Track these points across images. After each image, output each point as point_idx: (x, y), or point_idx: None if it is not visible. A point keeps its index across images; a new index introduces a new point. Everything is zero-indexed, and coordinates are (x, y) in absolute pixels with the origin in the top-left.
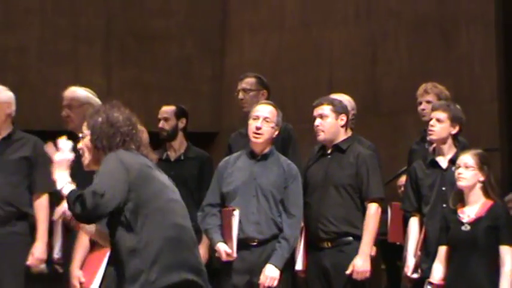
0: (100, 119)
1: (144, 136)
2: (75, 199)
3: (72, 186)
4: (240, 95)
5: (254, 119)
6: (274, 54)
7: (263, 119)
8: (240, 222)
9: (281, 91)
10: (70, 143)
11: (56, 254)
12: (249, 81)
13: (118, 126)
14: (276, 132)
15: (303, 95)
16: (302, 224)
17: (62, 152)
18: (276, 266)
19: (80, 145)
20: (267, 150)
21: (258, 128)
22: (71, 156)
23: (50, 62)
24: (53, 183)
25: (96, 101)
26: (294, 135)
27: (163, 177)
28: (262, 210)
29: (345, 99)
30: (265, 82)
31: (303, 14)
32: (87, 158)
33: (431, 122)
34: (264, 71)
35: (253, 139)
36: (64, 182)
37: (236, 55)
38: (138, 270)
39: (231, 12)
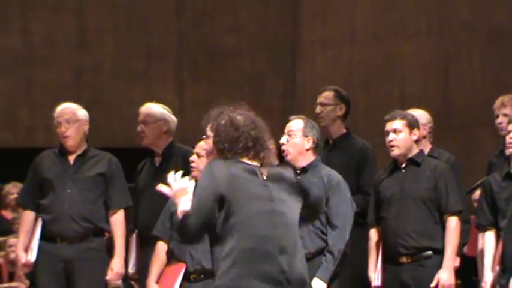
0: (223, 122)
1: (268, 137)
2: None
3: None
4: (317, 109)
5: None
6: (346, 68)
7: (286, 133)
8: None
9: (352, 106)
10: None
11: (131, 269)
12: (326, 95)
13: (242, 130)
14: (309, 143)
15: (375, 110)
16: (375, 239)
17: (176, 182)
18: (322, 280)
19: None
20: (306, 163)
21: (281, 145)
22: (186, 181)
23: (123, 80)
24: (128, 199)
25: (172, 117)
26: (371, 155)
27: (256, 187)
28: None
29: (420, 113)
30: (344, 96)
31: (374, 28)
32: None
33: (510, 135)
34: (335, 86)
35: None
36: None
37: (307, 70)
38: (216, 281)
39: (301, 27)
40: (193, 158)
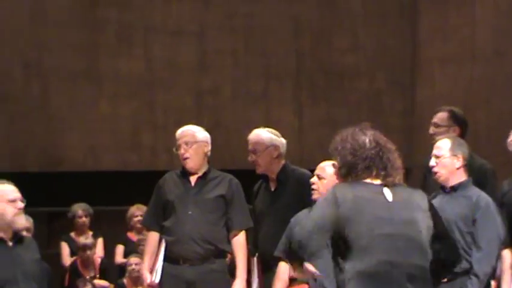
0: (340, 147)
1: (394, 157)
2: None
3: None
4: (431, 130)
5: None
6: (466, 86)
7: (434, 154)
8: None
9: (474, 124)
10: None
11: None
12: (440, 116)
13: (359, 153)
14: (459, 161)
15: (497, 128)
16: (509, 260)
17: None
18: None
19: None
20: (456, 182)
21: (431, 167)
22: None
23: (242, 102)
24: (248, 220)
25: (281, 141)
26: (490, 175)
27: (380, 208)
28: None
29: None
30: (460, 117)
31: (496, 44)
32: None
33: None
34: (456, 104)
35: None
36: None
37: (427, 88)
38: None
39: (420, 45)
40: (314, 180)
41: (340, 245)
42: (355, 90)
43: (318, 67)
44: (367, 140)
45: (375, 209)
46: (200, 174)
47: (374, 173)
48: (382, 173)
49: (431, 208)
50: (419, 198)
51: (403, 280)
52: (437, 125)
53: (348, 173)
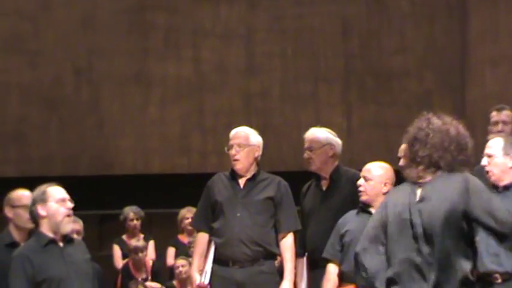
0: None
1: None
2: None
3: None
4: (499, 127)
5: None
6: None
7: (486, 154)
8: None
9: None
10: None
11: None
12: (508, 114)
13: (416, 149)
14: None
15: None
16: None
17: None
18: None
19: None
20: (508, 181)
21: (483, 167)
22: None
23: (291, 104)
24: (297, 222)
25: (337, 141)
26: None
27: (406, 210)
28: None
29: None
30: None
31: None
32: None
33: None
34: (507, 105)
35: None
36: None
37: (477, 89)
38: None
39: (470, 45)
40: (361, 181)
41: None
42: (404, 91)
43: (366, 68)
44: (421, 136)
45: (401, 213)
46: (249, 176)
47: (425, 168)
48: (430, 168)
49: (467, 193)
50: (457, 185)
51: (422, 278)
52: (505, 123)
53: (405, 173)
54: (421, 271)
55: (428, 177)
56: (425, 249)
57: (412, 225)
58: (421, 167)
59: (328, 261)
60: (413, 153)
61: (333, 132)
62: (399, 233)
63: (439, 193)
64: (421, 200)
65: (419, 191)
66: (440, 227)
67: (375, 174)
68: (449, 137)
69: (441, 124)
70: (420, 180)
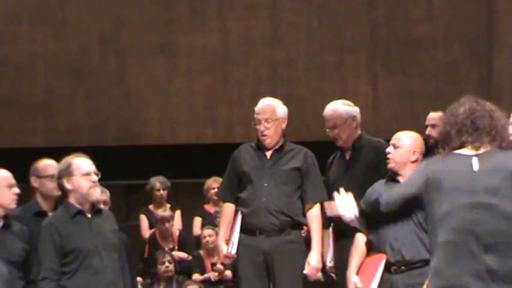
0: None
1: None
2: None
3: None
4: None
5: None
6: None
7: None
8: None
9: None
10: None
11: (329, 262)
12: None
13: (453, 122)
14: None
15: None
16: None
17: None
18: None
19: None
20: None
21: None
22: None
23: (316, 74)
24: (323, 193)
25: (356, 110)
26: None
27: (463, 179)
28: None
29: None
30: None
31: None
32: None
33: None
34: None
35: None
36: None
37: (504, 58)
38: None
39: (498, 13)
40: (390, 149)
41: (423, 213)
42: (430, 61)
43: (392, 38)
44: (461, 109)
45: (457, 181)
46: (276, 147)
47: (465, 139)
48: (475, 142)
49: None
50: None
51: (478, 250)
52: None
53: (444, 143)
54: (479, 240)
55: (485, 149)
56: (484, 216)
57: (471, 193)
58: (480, 137)
59: (356, 230)
60: (472, 122)
61: (350, 103)
62: (453, 200)
63: (496, 162)
64: (479, 168)
65: (475, 160)
66: (500, 190)
67: (405, 143)
68: (504, 118)
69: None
70: (477, 151)
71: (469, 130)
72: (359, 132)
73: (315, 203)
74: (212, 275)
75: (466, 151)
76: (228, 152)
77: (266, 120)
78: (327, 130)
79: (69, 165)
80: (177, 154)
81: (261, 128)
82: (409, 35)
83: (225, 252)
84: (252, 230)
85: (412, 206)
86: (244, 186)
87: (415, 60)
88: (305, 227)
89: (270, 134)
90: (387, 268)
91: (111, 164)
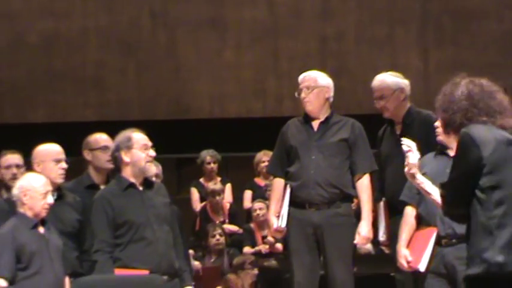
0: (459, 92)
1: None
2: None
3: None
4: None
5: None
6: None
7: None
8: None
9: None
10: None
11: (381, 236)
12: None
13: (452, 108)
14: None
15: None
16: None
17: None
18: None
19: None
20: None
21: None
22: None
23: (367, 47)
24: (372, 163)
25: (405, 82)
26: None
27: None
28: None
29: None
30: None
31: None
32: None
33: None
34: None
35: None
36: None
37: None
38: (485, 249)
39: None
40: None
41: (486, 187)
42: (483, 32)
43: (444, 9)
44: (458, 92)
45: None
46: (322, 119)
47: (483, 119)
48: (494, 117)
49: None
50: None
51: None
52: None
53: (452, 122)
54: None
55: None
56: None
57: None
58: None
59: (405, 204)
60: (474, 106)
61: (399, 75)
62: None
63: None
64: None
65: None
66: None
67: None
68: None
69: None
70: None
71: (475, 113)
72: (408, 105)
73: (364, 173)
74: (263, 248)
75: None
76: (277, 125)
77: (307, 87)
78: (375, 101)
79: (129, 139)
80: (227, 128)
81: (302, 95)
82: (460, 6)
83: (275, 226)
84: (302, 203)
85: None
86: (293, 160)
87: (466, 32)
88: (355, 200)
89: (311, 101)
90: (438, 241)
91: (162, 138)
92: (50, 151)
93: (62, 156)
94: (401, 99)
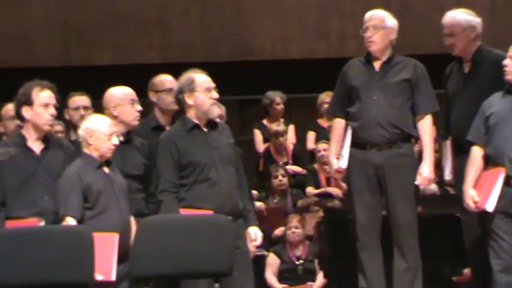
0: None
1: None
2: None
3: None
4: None
5: None
6: None
7: None
8: None
9: None
10: None
11: (447, 176)
12: None
13: None
14: None
15: None
16: None
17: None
18: None
19: None
20: None
21: None
22: None
23: None
24: (435, 104)
25: (477, 20)
26: None
27: None
28: None
29: None
30: None
31: None
32: None
33: None
34: None
35: None
36: None
37: None
38: None
39: None
40: (507, 62)
41: None
42: None
43: None
44: None
45: None
46: (384, 59)
47: None
48: None
49: None
50: None
51: None
52: None
53: None
54: None
55: None
56: None
57: None
58: None
59: (472, 144)
60: None
61: (472, 12)
62: None
63: None
64: None
65: None
66: None
67: None
68: None
69: None
70: None
71: None
72: (478, 43)
73: (426, 114)
74: (334, 192)
75: None
76: (341, 66)
77: (374, 27)
78: (444, 38)
79: (192, 81)
80: (289, 69)
81: (367, 34)
82: None
83: (335, 167)
84: (363, 143)
85: None
86: (354, 100)
87: None
88: (416, 140)
89: (377, 41)
90: (506, 181)
91: (225, 80)
92: (125, 94)
93: (136, 97)
94: (472, 38)
